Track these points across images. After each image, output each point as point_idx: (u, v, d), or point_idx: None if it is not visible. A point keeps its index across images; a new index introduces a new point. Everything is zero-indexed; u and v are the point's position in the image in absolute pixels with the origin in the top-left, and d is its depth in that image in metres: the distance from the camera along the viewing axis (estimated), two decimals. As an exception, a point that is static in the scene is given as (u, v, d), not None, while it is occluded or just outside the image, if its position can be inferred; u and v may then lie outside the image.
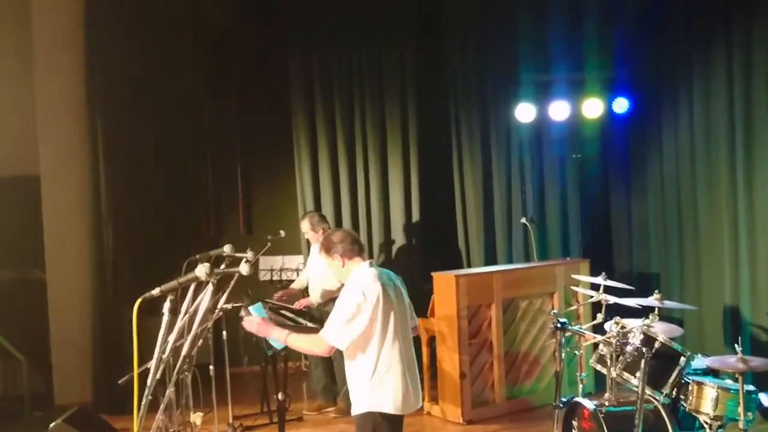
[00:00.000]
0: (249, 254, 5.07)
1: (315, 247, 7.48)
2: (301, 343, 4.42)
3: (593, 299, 5.86)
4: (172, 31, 8.17)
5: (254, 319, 4.53)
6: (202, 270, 3.56)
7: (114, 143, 7.87)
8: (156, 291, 3.53)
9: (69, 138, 7.98)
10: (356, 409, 4.30)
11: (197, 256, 4.77)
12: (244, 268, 4.26)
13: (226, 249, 5.00)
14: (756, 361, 4.76)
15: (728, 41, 7.28)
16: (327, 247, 4.42)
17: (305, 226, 7.38)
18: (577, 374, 5.94)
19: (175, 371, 4.26)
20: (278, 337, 4.41)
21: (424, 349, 7.29)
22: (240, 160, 9.39)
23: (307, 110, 8.58)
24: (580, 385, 5.84)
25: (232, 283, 4.79)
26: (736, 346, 4.75)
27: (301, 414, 7.33)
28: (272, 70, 8.82)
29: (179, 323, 4.03)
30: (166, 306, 3.51)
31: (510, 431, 6.78)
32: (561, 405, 5.51)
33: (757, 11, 7.04)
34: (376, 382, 4.22)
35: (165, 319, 3.57)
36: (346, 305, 4.19)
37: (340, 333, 4.17)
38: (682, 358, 4.95)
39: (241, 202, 9.37)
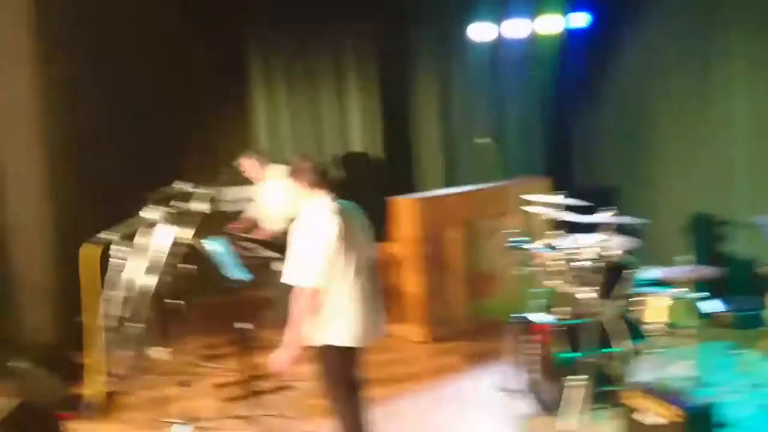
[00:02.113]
0: (209, 189, 5.10)
1: (262, 184, 7.51)
2: (297, 311, 4.22)
3: (550, 217, 5.96)
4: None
5: (279, 357, 4.34)
6: (156, 213, 3.58)
7: (73, 66, 7.66)
8: (109, 235, 3.55)
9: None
10: (314, 341, 4.33)
11: (155, 193, 4.77)
12: (204, 206, 4.29)
13: (185, 185, 4.99)
14: (701, 270, 4.93)
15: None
16: (296, 173, 4.42)
17: (247, 163, 7.36)
18: (534, 290, 6.08)
19: (141, 308, 4.34)
20: (290, 344, 4.27)
21: (387, 273, 7.41)
22: (193, 93, 9.24)
23: (261, 42, 8.59)
24: (537, 301, 5.99)
25: (194, 220, 4.83)
26: (683, 257, 4.90)
27: (267, 342, 7.43)
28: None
29: (141, 260, 4.09)
30: (119, 250, 3.54)
31: (471, 347, 6.96)
32: (518, 321, 5.68)
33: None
34: (333, 316, 4.26)
35: (120, 263, 3.61)
36: (306, 244, 4.20)
37: (309, 273, 4.16)
38: (633, 271, 5.10)
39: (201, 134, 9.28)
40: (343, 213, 4.32)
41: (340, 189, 4.49)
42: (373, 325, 4.43)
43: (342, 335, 4.30)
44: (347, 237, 4.25)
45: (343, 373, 4.37)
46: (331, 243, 4.17)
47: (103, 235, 3.55)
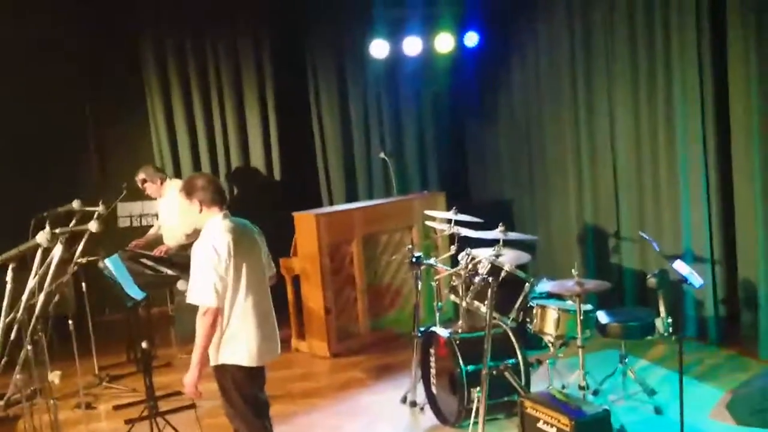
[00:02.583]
0: (100, 208, 5.01)
1: (160, 199, 7.43)
2: (200, 332, 4.18)
3: (446, 233, 6.10)
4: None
5: (188, 380, 4.26)
6: (42, 237, 3.51)
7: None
8: (-6, 261, 3.45)
9: None
10: (213, 361, 4.32)
11: (45, 214, 4.65)
12: (93, 226, 4.23)
13: (75, 204, 4.90)
14: (590, 284, 5.15)
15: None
16: (188, 190, 4.35)
17: (142, 178, 7.26)
18: (435, 304, 6.21)
19: (29, 330, 4.21)
20: (198, 365, 4.20)
21: (289, 288, 7.43)
22: (89, 105, 9.02)
23: (157, 53, 8.34)
24: (437, 314, 6.11)
25: (84, 239, 4.73)
26: (573, 271, 5.10)
27: (170, 360, 7.35)
28: (119, 11, 8.45)
29: (30, 283, 3.98)
30: (9, 275, 3.44)
31: (374, 361, 7.04)
32: (419, 334, 5.78)
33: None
34: (229, 335, 4.25)
35: (8, 287, 3.51)
36: (201, 263, 4.17)
37: (206, 292, 4.14)
38: (527, 285, 5.27)
39: (94, 148, 9.05)
40: (235, 231, 4.28)
41: (236, 205, 4.47)
42: (271, 343, 4.42)
43: (239, 354, 4.28)
44: (240, 255, 4.22)
45: (243, 392, 4.34)
46: (221, 262, 4.15)
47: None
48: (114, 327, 7.90)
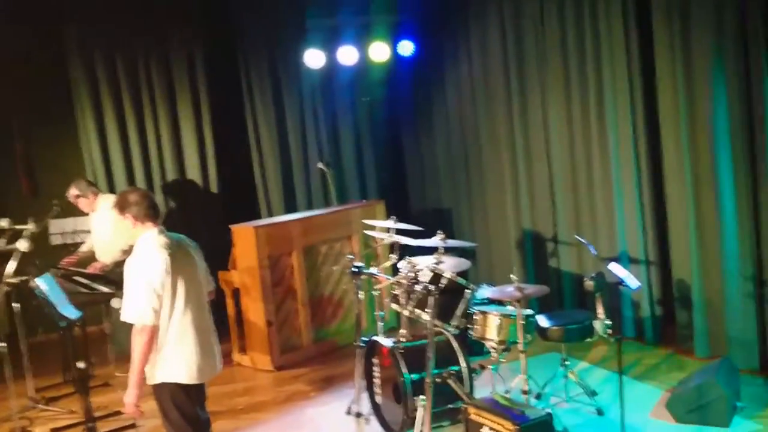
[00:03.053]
0: (30, 225, 4.87)
1: (92, 214, 7.26)
2: (136, 350, 4.12)
3: (386, 241, 6.09)
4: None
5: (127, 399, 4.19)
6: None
7: None
8: None
9: None
10: (151, 379, 4.25)
11: (-28, 233, 4.50)
12: (22, 245, 4.11)
13: (4, 223, 4.75)
14: (530, 289, 5.20)
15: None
16: (121, 206, 4.28)
17: (74, 193, 7.10)
18: (376, 313, 6.19)
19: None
20: (136, 384, 4.15)
21: (229, 302, 7.34)
22: (18, 117, 8.78)
23: (87, 68, 8.15)
24: (379, 324, 6.10)
25: (14, 259, 4.59)
26: (512, 276, 5.14)
27: (107, 380, 7.17)
28: (47, 22, 8.24)
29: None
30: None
31: (318, 372, 6.99)
32: (362, 344, 5.74)
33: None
34: (167, 353, 4.20)
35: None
36: (135, 280, 4.11)
37: (141, 310, 4.08)
38: (467, 291, 5.28)
39: (21, 165, 8.79)
40: (170, 246, 4.23)
41: (173, 219, 4.40)
42: (211, 359, 4.37)
43: (178, 372, 4.23)
44: (175, 271, 4.17)
45: (183, 411, 4.27)
46: (157, 279, 4.09)
47: None
48: (49, 347, 7.69)
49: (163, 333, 4.18)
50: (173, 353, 4.20)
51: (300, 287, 7.29)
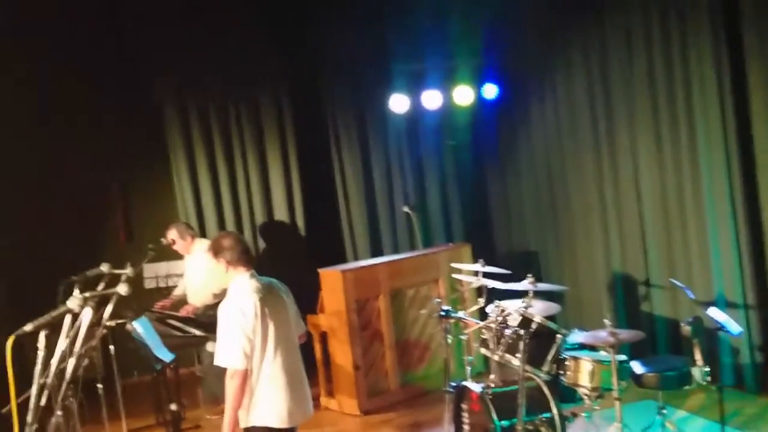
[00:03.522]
0: (128, 270, 5.00)
1: (190, 257, 7.45)
2: (229, 394, 4.20)
3: (474, 285, 6.05)
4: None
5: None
6: (74, 302, 3.52)
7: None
8: (29, 327, 3.45)
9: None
10: (243, 423, 4.29)
11: (73, 278, 4.64)
12: (122, 289, 4.23)
13: (104, 268, 4.89)
14: (624, 334, 5.05)
15: (585, 29, 7.62)
16: (215, 250, 4.38)
17: (172, 235, 7.32)
18: (465, 358, 6.13)
19: (60, 396, 4.18)
20: (229, 427, 4.20)
21: (317, 346, 7.37)
22: (116, 168, 9.14)
23: (181, 113, 8.43)
24: (468, 368, 6.03)
25: (112, 303, 4.72)
26: (605, 321, 5.02)
27: (198, 422, 7.28)
28: (138, 76, 8.58)
29: (60, 346, 3.96)
30: (41, 341, 3.44)
31: (405, 418, 6.93)
32: (450, 389, 5.69)
33: (608, 2, 7.39)
34: (258, 396, 4.24)
35: (41, 355, 3.50)
36: (227, 325, 4.19)
37: (233, 354, 4.15)
38: (558, 336, 5.18)
39: (119, 211, 9.12)
40: (261, 290, 4.29)
41: (261, 262, 4.49)
42: (301, 403, 4.39)
43: (269, 415, 4.27)
44: (267, 315, 4.23)
45: None
46: (248, 323, 4.15)
47: (28, 326, 3.43)
48: (142, 389, 7.86)
49: (255, 376, 4.23)
50: (264, 397, 4.25)
51: (387, 331, 7.28)
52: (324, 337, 7.33)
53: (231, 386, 4.17)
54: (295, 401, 4.32)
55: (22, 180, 8.05)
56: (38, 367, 3.58)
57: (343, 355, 7.10)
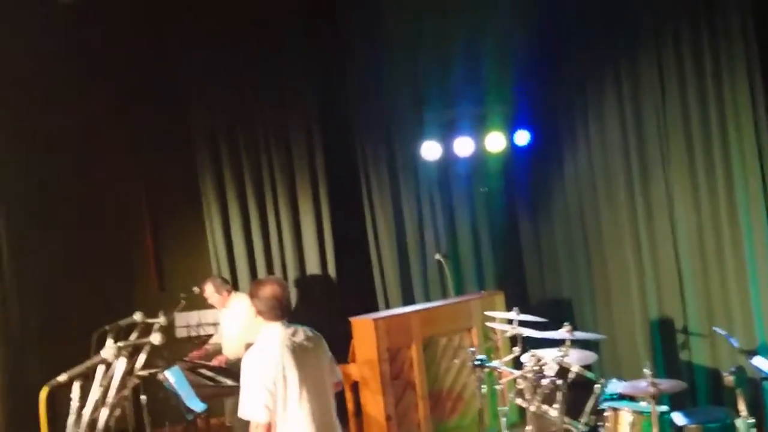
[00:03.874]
0: (161, 319, 5.02)
1: (226, 310, 7.47)
2: None
3: (508, 334, 5.96)
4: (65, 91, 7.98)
5: None
6: (109, 351, 3.52)
7: (13, 208, 7.64)
8: (63, 377, 3.44)
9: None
10: None
11: (107, 327, 4.64)
12: (155, 338, 4.22)
13: (137, 317, 4.90)
14: (665, 384, 4.93)
15: (617, 74, 7.60)
16: (252, 295, 4.37)
17: (209, 290, 7.41)
18: (499, 408, 6.01)
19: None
20: None
21: (348, 395, 7.27)
22: (148, 216, 9.22)
23: (213, 161, 8.50)
24: (503, 419, 5.91)
25: (145, 352, 4.72)
26: (645, 370, 4.90)
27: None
28: (175, 123, 8.70)
29: (93, 396, 3.94)
30: (75, 391, 3.42)
31: (438, 470, 6.80)
32: (486, 440, 5.59)
33: (641, 46, 7.38)
34: None
35: (74, 405, 3.48)
36: (250, 376, 4.15)
37: (255, 407, 4.12)
38: (597, 386, 5.08)
39: (152, 260, 9.18)
40: (292, 340, 4.26)
41: (294, 311, 4.45)
42: None
43: None
44: (295, 366, 4.18)
45: None
46: (269, 375, 4.12)
47: (62, 377, 3.42)
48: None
49: (280, 427, 4.17)
50: None
51: (419, 380, 7.17)
52: (355, 387, 7.24)
53: None
54: None
55: (60, 228, 8.13)
56: (72, 418, 3.56)
57: (374, 405, 6.99)
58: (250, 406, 4.11)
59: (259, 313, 4.32)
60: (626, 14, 7.42)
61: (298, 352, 4.23)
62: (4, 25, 7.07)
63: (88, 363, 3.57)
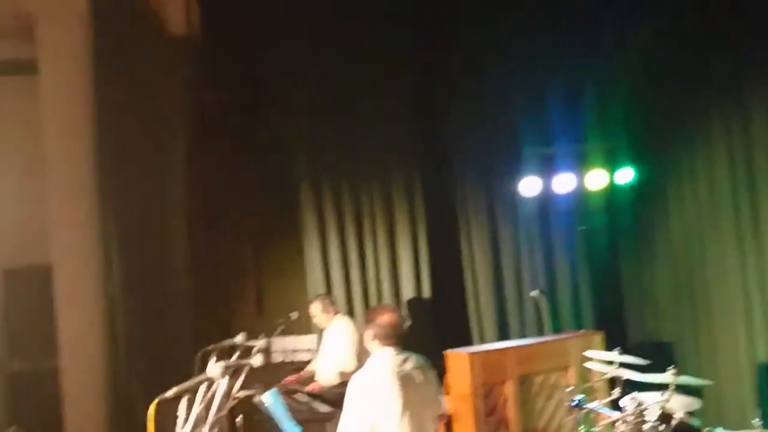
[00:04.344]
0: (261, 342, 5.10)
1: (327, 331, 7.56)
2: None
3: (608, 375, 5.81)
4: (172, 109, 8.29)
5: None
6: (216, 370, 3.61)
7: (125, 231, 7.95)
8: (171, 392, 3.55)
9: (80, 226, 8.05)
10: None
11: (210, 347, 4.75)
12: (256, 360, 4.30)
13: (239, 338, 5.00)
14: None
15: (725, 108, 7.42)
16: (370, 320, 4.79)
17: (316, 308, 7.51)
18: (597, 451, 5.86)
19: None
20: None
21: (441, 429, 7.21)
22: (250, 242, 9.45)
23: (314, 193, 8.62)
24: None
25: (244, 373, 4.80)
26: (754, 421, 4.70)
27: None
28: (276, 148, 8.90)
29: (194, 414, 4.04)
30: (182, 407, 3.52)
31: None
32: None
33: (751, 77, 7.18)
34: None
35: (181, 420, 3.58)
36: (352, 402, 4.32)
37: (348, 429, 4.28)
38: (701, 433, 4.89)
39: (255, 284, 9.39)
40: (402, 368, 4.38)
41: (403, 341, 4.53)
42: None
43: None
44: (398, 394, 4.30)
45: None
46: (370, 405, 4.28)
47: (170, 392, 3.52)
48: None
49: None
50: None
51: (514, 418, 7.05)
52: (448, 422, 7.17)
53: None
54: None
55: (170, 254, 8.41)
56: (186, 426, 3.66)
57: (467, 440, 6.92)
58: (346, 427, 4.29)
59: (375, 337, 4.51)
60: (729, 44, 7.23)
61: (405, 380, 4.34)
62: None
63: (196, 380, 3.67)
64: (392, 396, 4.23)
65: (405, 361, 4.42)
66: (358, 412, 4.25)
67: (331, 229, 8.63)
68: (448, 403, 7.02)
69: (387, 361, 4.41)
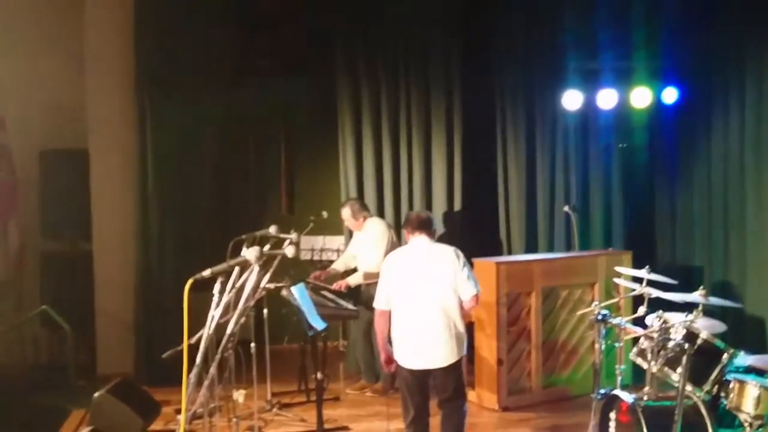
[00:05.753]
0: (293, 235, 5.16)
1: (357, 234, 7.59)
2: (376, 329, 5.44)
3: (636, 292, 5.81)
4: (215, 13, 8.19)
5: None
6: (252, 253, 3.66)
7: (161, 120, 7.99)
8: (207, 272, 3.61)
9: (118, 113, 8.16)
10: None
11: (243, 237, 4.80)
12: (289, 250, 4.35)
13: (272, 230, 5.07)
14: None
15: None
16: (407, 219, 5.64)
17: (346, 213, 7.52)
18: (616, 366, 5.91)
19: (220, 348, 4.32)
20: (381, 350, 5.43)
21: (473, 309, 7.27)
22: (284, 140, 9.45)
23: (352, 94, 8.44)
24: (618, 378, 5.81)
25: (276, 263, 4.88)
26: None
27: (338, 394, 7.41)
28: (316, 53, 8.77)
29: (224, 300, 4.11)
30: (217, 287, 3.58)
31: (545, 420, 6.77)
32: (599, 396, 5.51)
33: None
34: (396, 340, 5.24)
35: (215, 300, 3.64)
36: (381, 273, 5.41)
37: (377, 298, 5.32)
38: (725, 356, 4.90)
39: (284, 182, 9.42)
40: (409, 250, 5.35)
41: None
42: (421, 353, 5.13)
43: (402, 358, 5.23)
44: (404, 272, 5.20)
45: (404, 393, 5.26)
46: (389, 276, 5.26)
47: (206, 272, 3.58)
48: (289, 356, 8.08)
49: (394, 322, 5.24)
50: (398, 341, 5.23)
51: (535, 329, 7.14)
52: (470, 328, 7.26)
53: (377, 323, 5.34)
54: (414, 350, 5.14)
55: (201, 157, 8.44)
56: (217, 310, 3.74)
57: (488, 348, 7.03)
58: (376, 297, 5.31)
59: (408, 226, 5.44)
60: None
61: (407, 261, 5.26)
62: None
63: (231, 262, 3.72)
64: (399, 275, 5.16)
65: (434, 245, 5.27)
66: (381, 283, 5.23)
67: (367, 127, 8.47)
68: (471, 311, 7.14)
69: (417, 245, 5.24)
